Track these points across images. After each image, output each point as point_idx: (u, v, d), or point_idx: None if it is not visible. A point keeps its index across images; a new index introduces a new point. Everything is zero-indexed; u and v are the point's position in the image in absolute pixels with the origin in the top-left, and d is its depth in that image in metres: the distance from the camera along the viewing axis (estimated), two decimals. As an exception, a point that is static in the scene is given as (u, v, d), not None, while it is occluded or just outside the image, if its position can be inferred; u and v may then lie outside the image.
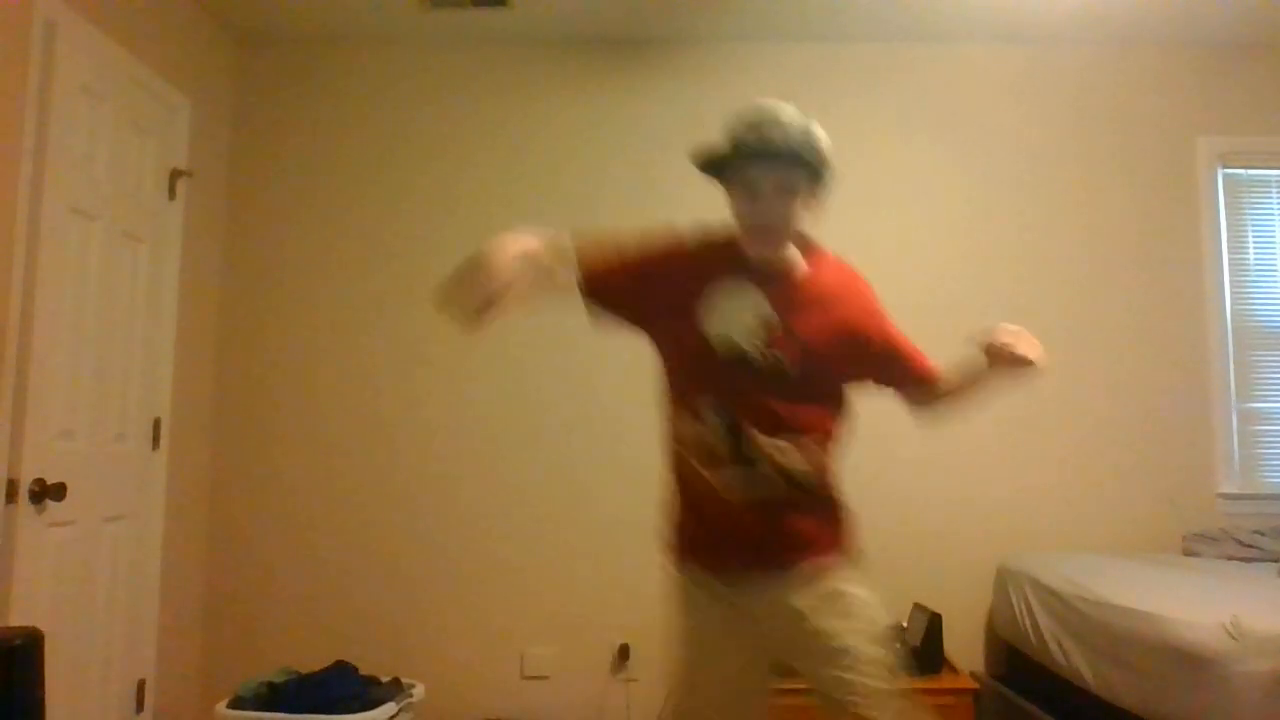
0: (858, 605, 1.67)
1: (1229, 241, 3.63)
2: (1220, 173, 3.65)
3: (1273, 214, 3.67)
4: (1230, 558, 3.24)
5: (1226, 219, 3.64)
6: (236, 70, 3.69)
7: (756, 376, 1.63)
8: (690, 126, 3.65)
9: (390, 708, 2.89)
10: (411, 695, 3.05)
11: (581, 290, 1.71)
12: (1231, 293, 3.59)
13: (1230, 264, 3.61)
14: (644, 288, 1.72)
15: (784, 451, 1.63)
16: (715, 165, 1.68)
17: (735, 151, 1.63)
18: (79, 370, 2.73)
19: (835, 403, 1.74)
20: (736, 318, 1.65)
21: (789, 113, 1.63)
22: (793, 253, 1.71)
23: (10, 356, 2.45)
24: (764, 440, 1.62)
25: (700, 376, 1.67)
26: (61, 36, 2.59)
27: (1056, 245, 3.61)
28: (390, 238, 3.63)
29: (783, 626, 1.67)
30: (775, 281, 1.68)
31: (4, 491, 2.41)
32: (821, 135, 1.65)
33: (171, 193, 3.22)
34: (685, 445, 1.68)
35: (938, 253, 3.61)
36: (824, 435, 1.70)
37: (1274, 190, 3.68)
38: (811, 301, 1.69)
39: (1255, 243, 3.65)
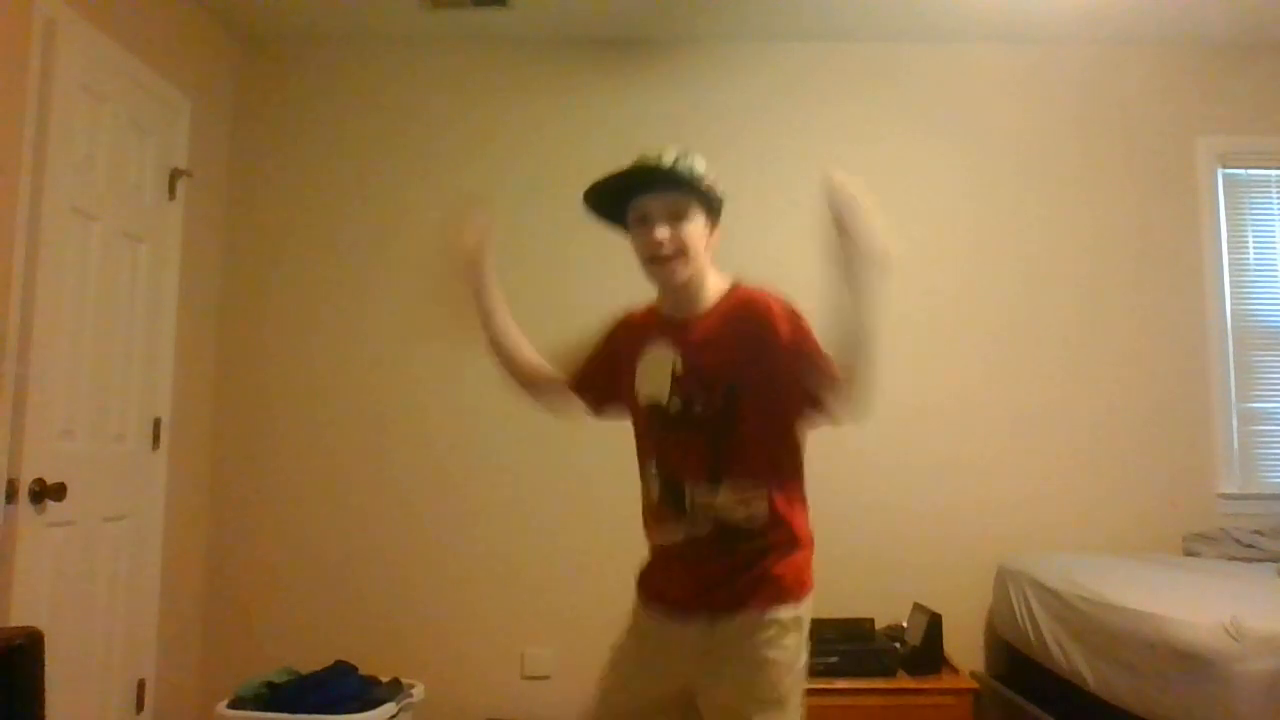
0: (776, 689, 1.60)
1: (1229, 241, 3.63)
2: (1220, 173, 3.65)
3: (1273, 214, 3.67)
4: (1230, 558, 3.24)
5: (1226, 219, 3.64)
6: (236, 70, 3.70)
7: (678, 425, 1.67)
8: (690, 126, 3.67)
9: (390, 708, 2.89)
10: (411, 695, 3.05)
11: (571, 389, 1.89)
12: (1231, 293, 3.59)
13: (1230, 264, 3.61)
14: (604, 372, 1.85)
15: (720, 502, 1.63)
16: (609, 210, 1.77)
17: (619, 182, 1.71)
18: (79, 370, 2.73)
19: (774, 441, 1.67)
20: (654, 375, 1.71)
21: (668, 149, 1.69)
22: (704, 291, 1.72)
23: (10, 356, 2.45)
24: (699, 491, 1.65)
25: (645, 439, 1.75)
26: (61, 36, 2.59)
27: (1056, 245, 3.61)
28: (390, 237, 3.63)
29: (702, 675, 1.66)
30: (682, 328, 1.71)
31: (4, 491, 2.41)
32: (701, 163, 1.70)
33: (171, 193, 3.23)
34: (643, 502, 1.77)
35: (937, 252, 3.60)
36: (767, 478, 1.64)
37: (1274, 190, 3.68)
38: (710, 337, 1.68)
39: (1255, 243, 3.65)
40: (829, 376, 1.56)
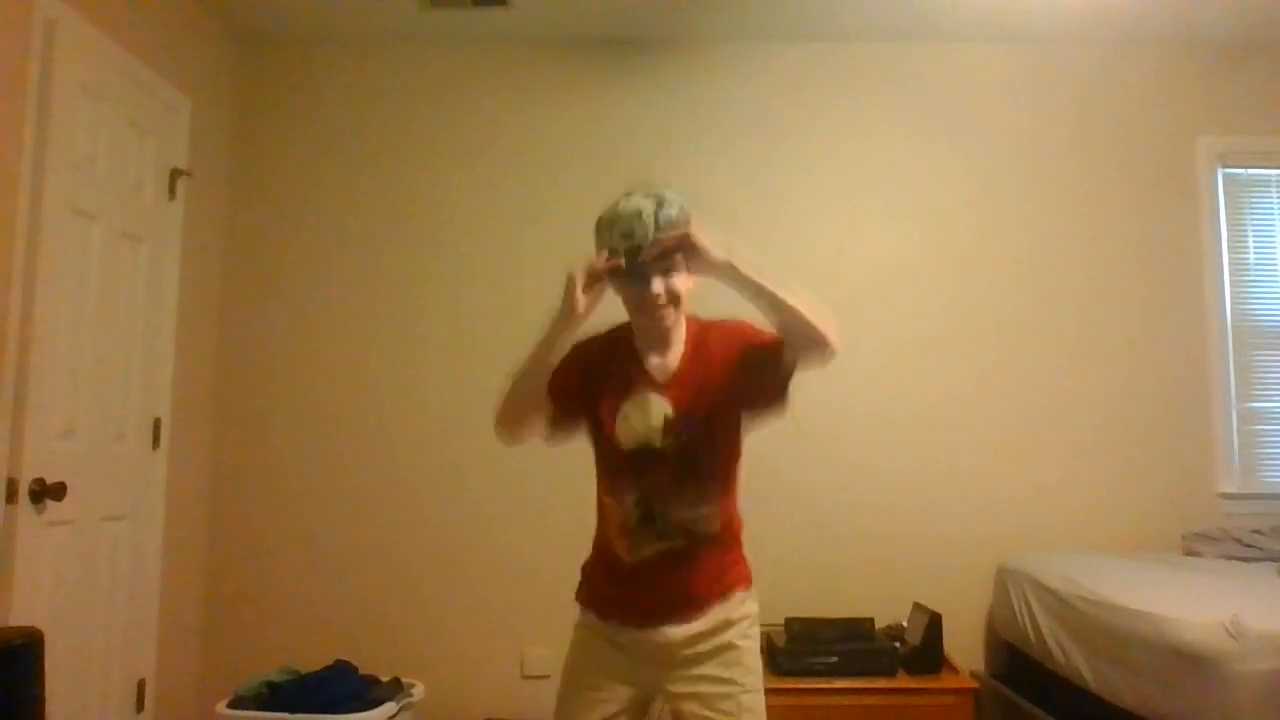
0: (754, 673, 1.79)
1: (1229, 241, 3.62)
2: (1220, 172, 3.65)
3: (1273, 214, 3.67)
4: (1230, 557, 3.24)
5: (1226, 219, 3.64)
6: (236, 70, 3.69)
7: (663, 463, 1.76)
8: (690, 126, 3.67)
9: (390, 707, 2.89)
10: (411, 695, 3.05)
11: (551, 401, 1.85)
12: (1231, 293, 3.59)
13: (1230, 264, 3.61)
14: (576, 393, 1.86)
15: (695, 521, 1.76)
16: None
17: (618, 271, 1.72)
18: (79, 370, 2.73)
19: (731, 450, 1.81)
20: (642, 419, 1.77)
21: (644, 219, 1.67)
22: (680, 330, 1.80)
23: (10, 356, 2.45)
24: (677, 516, 1.76)
25: (622, 473, 1.80)
26: (61, 36, 2.59)
27: (1057, 245, 3.61)
28: (390, 237, 3.63)
29: (671, 677, 1.77)
30: (666, 375, 1.79)
31: (4, 491, 2.41)
32: (674, 209, 1.68)
33: (171, 192, 3.23)
34: (607, 522, 1.84)
35: (937, 252, 3.60)
36: (728, 492, 1.81)
37: (1274, 190, 3.68)
38: (695, 380, 1.78)
39: (1255, 243, 3.65)
40: (797, 343, 1.67)
